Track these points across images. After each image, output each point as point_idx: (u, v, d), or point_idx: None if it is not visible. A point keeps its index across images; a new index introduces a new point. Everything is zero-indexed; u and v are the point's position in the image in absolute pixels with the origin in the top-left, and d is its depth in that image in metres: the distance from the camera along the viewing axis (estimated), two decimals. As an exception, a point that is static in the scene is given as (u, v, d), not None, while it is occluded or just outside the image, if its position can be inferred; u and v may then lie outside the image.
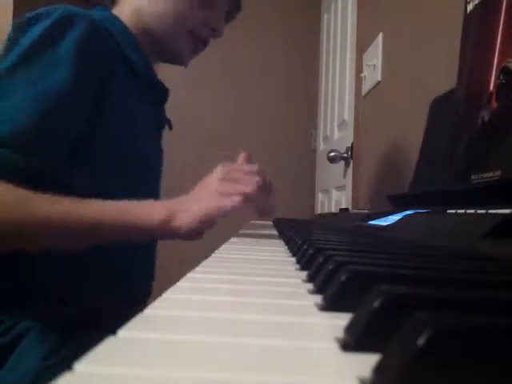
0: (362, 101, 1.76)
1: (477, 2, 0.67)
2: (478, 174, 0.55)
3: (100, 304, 0.73)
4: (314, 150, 2.64)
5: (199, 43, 0.90)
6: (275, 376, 0.14)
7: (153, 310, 0.21)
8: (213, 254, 0.47)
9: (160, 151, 0.94)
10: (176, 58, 0.91)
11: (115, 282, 0.78)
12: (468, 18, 0.69)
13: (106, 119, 0.74)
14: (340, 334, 0.18)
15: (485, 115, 0.58)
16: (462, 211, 0.50)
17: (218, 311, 0.22)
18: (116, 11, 0.86)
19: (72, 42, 0.68)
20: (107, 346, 0.16)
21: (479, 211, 0.46)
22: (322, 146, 2.47)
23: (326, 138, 2.39)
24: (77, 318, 0.68)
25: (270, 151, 2.61)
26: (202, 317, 0.21)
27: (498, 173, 0.50)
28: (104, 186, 0.73)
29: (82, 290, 0.72)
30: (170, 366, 0.15)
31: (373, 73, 1.59)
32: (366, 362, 0.15)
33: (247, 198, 0.66)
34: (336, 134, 2.17)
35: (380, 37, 1.54)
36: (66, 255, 0.66)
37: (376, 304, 0.17)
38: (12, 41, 0.69)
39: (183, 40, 0.87)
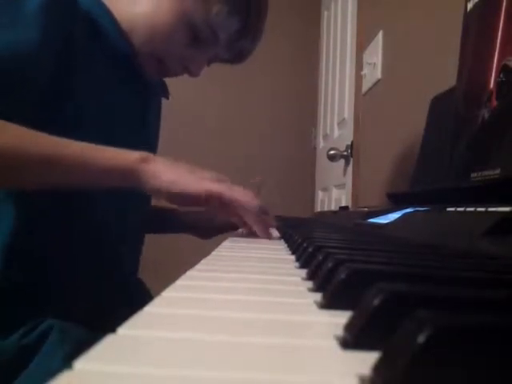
0: (362, 99, 1.76)
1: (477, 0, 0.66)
2: (477, 171, 0.55)
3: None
4: (314, 148, 2.64)
5: (165, 74, 0.82)
6: (275, 374, 0.14)
7: (152, 308, 0.21)
8: (212, 252, 0.47)
9: (144, 139, 0.85)
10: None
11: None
12: (468, 16, 0.69)
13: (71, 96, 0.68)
14: (340, 331, 0.18)
15: (485, 113, 0.58)
16: (462, 209, 0.50)
17: (217, 309, 0.22)
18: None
19: (39, 2, 0.63)
20: (107, 344, 0.16)
21: (479, 209, 0.46)
22: (321, 144, 2.47)
23: (325, 136, 2.39)
24: (96, 316, 0.66)
25: (269, 149, 2.61)
26: (201, 315, 0.21)
27: (498, 171, 0.50)
28: None
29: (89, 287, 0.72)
30: (170, 364, 0.15)
31: (373, 71, 1.58)
32: (366, 360, 0.15)
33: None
34: (336, 132, 2.17)
35: (380, 35, 1.54)
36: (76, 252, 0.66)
37: (376, 302, 0.17)
38: None
39: (149, 62, 0.78)
